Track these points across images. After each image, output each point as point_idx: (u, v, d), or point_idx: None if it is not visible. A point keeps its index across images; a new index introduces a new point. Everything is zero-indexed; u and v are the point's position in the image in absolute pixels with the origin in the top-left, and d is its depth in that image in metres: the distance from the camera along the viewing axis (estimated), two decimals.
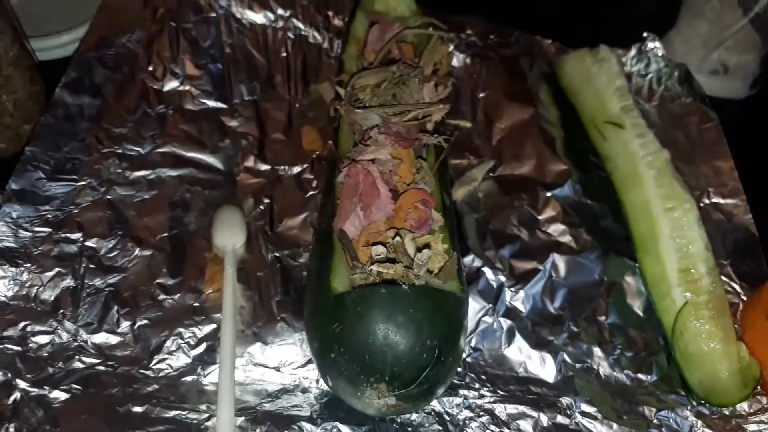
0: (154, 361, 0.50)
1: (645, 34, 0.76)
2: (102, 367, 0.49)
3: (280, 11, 0.74)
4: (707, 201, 0.66)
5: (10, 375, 0.48)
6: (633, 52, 0.76)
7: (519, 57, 0.76)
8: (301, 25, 0.75)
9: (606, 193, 0.64)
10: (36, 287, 0.52)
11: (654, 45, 0.76)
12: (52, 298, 0.52)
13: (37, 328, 0.50)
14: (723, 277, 0.59)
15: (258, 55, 0.72)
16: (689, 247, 0.57)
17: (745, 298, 0.59)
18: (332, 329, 0.44)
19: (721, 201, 0.65)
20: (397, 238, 0.47)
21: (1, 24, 0.57)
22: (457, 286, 0.47)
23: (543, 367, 0.54)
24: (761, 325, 0.54)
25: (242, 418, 0.48)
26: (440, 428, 0.50)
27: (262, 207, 0.61)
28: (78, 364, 0.49)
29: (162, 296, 0.54)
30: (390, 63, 0.60)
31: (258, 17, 0.74)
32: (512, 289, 0.57)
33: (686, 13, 0.75)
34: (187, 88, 0.68)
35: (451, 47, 0.74)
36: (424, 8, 0.74)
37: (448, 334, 0.45)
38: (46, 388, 0.47)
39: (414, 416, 0.50)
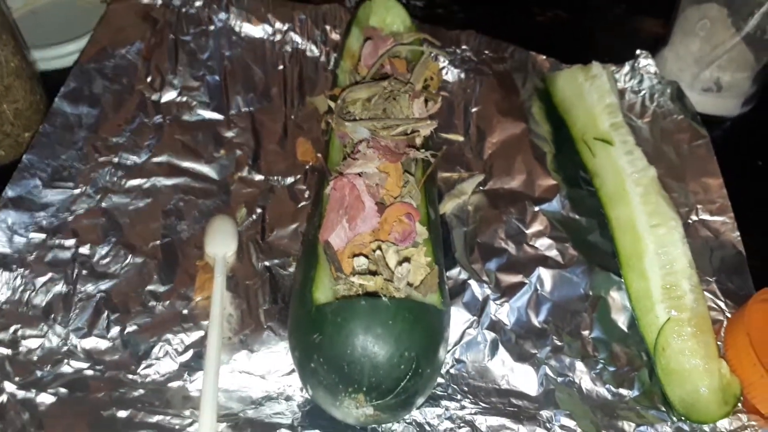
0: (142, 367, 0.51)
1: (638, 52, 0.77)
2: (90, 372, 0.50)
3: (278, 25, 0.76)
4: (695, 218, 0.66)
5: None
6: (626, 68, 0.77)
7: (513, 72, 0.77)
8: (298, 39, 0.76)
9: (594, 208, 0.65)
10: (29, 292, 0.54)
11: (647, 62, 0.76)
12: (43, 303, 0.53)
13: (28, 332, 0.52)
14: (708, 295, 0.60)
15: (255, 67, 0.73)
16: (673, 264, 0.57)
17: (729, 315, 0.59)
18: (313, 339, 0.44)
19: (709, 218, 0.66)
20: (379, 252, 0.47)
21: (3, 35, 0.59)
22: (438, 299, 0.48)
23: (525, 380, 0.54)
24: (743, 342, 0.54)
25: (224, 424, 0.49)
26: None
27: (254, 216, 0.62)
28: (66, 369, 0.50)
29: (152, 303, 0.55)
30: (382, 78, 0.61)
31: (256, 30, 0.76)
32: (497, 302, 0.58)
33: (679, 31, 0.75)
34: (185, 99, 0.69)
35: (446, 62, 0.75)
36: (420, 23, 0.76)
37: (427, 346, 0.45)
38: (33, 391, 0.48)
39: (395, 426, 0.50)
